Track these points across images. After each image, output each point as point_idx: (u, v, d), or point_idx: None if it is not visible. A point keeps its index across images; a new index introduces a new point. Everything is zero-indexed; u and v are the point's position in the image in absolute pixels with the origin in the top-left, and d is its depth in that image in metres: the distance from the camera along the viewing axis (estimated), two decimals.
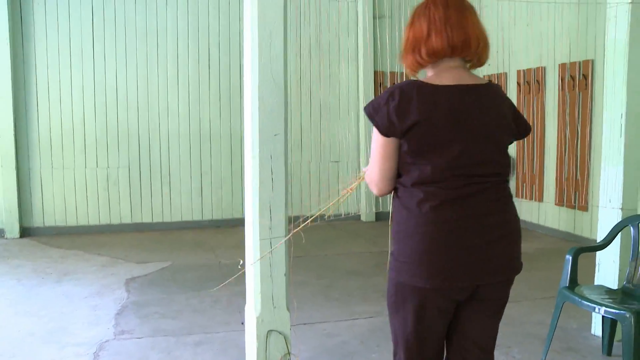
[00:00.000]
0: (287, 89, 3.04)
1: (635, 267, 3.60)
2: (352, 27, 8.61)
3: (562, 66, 7.10)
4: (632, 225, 3.66)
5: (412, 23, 2.05)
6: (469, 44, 1.98)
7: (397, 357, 2.16)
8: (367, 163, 8.77)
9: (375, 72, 8.56)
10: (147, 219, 8.00)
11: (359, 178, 2.39)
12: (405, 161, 1.99)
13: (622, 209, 3.90)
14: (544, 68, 7.47)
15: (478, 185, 1.97)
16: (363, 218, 8.64)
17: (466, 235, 1.95)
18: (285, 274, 3.07)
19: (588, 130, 6.73)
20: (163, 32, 7.90)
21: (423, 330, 2.07)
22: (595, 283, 3.99)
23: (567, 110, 7.03)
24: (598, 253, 3.95)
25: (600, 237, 3.98)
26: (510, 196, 2.09)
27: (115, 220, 7.88)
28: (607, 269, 3.95)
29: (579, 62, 6.84)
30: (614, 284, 3.84)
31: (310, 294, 5.03)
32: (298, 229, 2.78)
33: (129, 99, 7.83)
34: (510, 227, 2.04)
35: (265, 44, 2.95)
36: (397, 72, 8.51)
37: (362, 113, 8.40)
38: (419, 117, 1.90)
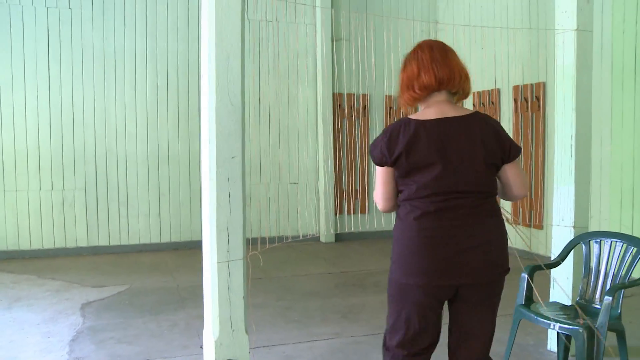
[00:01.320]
0: (244, 112, 3.05)
1: (587, 283, 3.69)
2: (311, 50, 8.69)
3: (516, 88, 7.29)
4: (583, 243, 3.75)
5: (404, 67, 2.51)
6: (454, 77, 2.43)
7: (384, 340, 2.56)
8: (325, 184, 8.82)
9: (334, 94, 8.63)
10: (103, 241, 7.86)
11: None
12: (399, 183, 2.45)
13: (574, 227, 4.01)
14: (499, 90, 7.65)
15: (456, 200, 2.35)
16: (322, 239, 8.64)
17: (443, 242, 2.34)
18: (243, 297, 3.05)
19: (542, 150, 6.90)
20: (121, 53, 7.84)
21: (404, 321, 2.44)
22: (550, 300, 4.07)
23: (522, 131, 7.21)
24: (552, 270, 4.03)
25: (554, 254, 4.08)
26: (494, 210, 2.43)
27: (70, 244, 7.72)
28: (562, 285, 4.03)
29: (532, 85, 7.04)
30: (568, 300, 3.92)
31: (269, 316, 5.00)
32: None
33: (86, 121, 7.72)
34: (487, 236, 2.39)
35: (222, 67, 2.96)
36: (354, 94, 8.61)
37: (320, 134, 8.56)
38: (403, 149, 2.35)
